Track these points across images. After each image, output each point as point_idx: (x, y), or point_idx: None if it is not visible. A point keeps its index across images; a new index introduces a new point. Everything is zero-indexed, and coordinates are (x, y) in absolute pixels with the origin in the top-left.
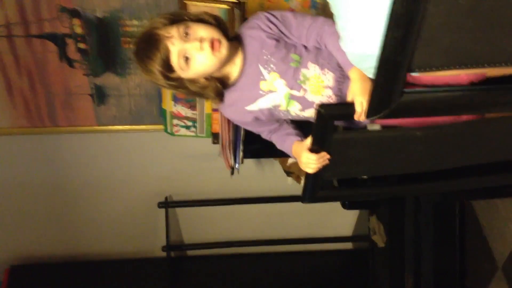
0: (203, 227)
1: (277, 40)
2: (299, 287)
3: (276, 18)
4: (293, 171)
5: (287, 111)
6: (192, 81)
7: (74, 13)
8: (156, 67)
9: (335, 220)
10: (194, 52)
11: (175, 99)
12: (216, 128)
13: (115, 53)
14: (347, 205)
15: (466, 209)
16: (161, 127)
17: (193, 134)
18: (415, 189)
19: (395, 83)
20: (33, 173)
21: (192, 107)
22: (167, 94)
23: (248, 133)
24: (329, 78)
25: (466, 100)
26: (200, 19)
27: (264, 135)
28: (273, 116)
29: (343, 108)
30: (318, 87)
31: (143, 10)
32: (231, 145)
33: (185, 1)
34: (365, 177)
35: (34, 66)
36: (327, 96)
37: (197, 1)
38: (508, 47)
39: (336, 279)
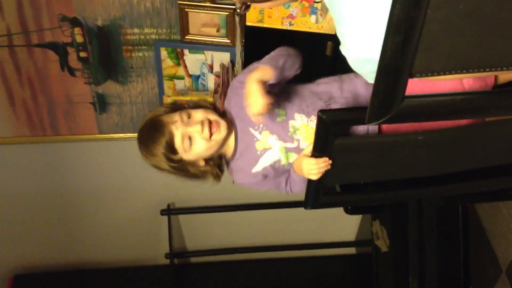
0: (206, 234)
1: None
2: None
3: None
4: None
5: (289, 163)
6: (193, 164)
7: (75, 22)
8: (160, 150)
9: (338, 226)
10: (196, 135)
11: None
12: None
13: (116, 61)
14: (350, 210)
15: (469, 212)
16: None
17: None
18: (418, 193)
19: (396, 88)
20: (35, 182)
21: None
22: (169, 101)
23: None
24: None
25: (467, 105)
26: (198, 105)
27: (283, 186)
28: (278, 172)
29: (345, 113)
30: (309, 134)
31: (144, 18)
32: None
33: (186, 10)
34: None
35: (35, 75)
36: None
37: (197, 9)
38: (508, 52)
39: (340, 284)
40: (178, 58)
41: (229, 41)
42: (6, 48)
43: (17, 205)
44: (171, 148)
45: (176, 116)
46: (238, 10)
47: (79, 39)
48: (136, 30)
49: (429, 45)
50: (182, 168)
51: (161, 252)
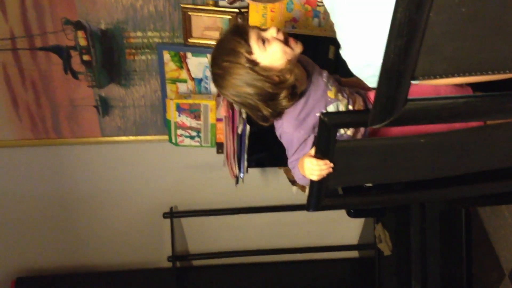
0: (208, 237)
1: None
2: None
3: None
4: None
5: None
6: (269, 69)
7: (78, 26)
8: (238, 47)
9: (341, 229)
10: (271, 38)
11: (179, 110)
12: (221, 138)
13: (119, 64)
14: (352, 213)
15: (472, 216)
16: (166, 137)
17: (197, 144)
18: (421, 196)
19: (398, 91)
20: (38, 185)
21: (197, 117)
22: (171, 104)
23: (252, 143)
24: (359, 100)
25: (470, 108)
26: None
27: (294, 162)
28: None
29: (347, 116)
30: (358, 105)
31: (147, 22)
32: (235, 154)
33: (189, 13)
34: (370, 184)
35: (39, 78)
36: None
37: (200, 13)
38: (511, 55)
39: (342, 287)
40: (181, 62)
41: None
42: (10, 52)
43: (19, 207)
44: (248, 45)
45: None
46: (228, 2)
47: (82, 42)
48: (139, 34)
49: (432, 48)
50: (267, 77)
51: (163, 255)
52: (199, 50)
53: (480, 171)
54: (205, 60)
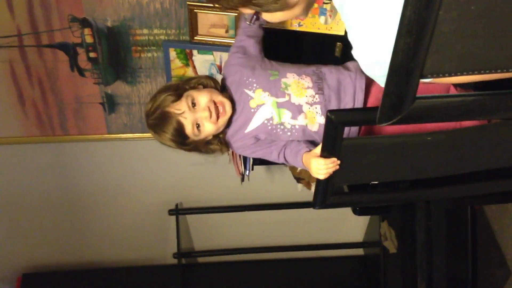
0: (213, 234)
1: (253, 67)
2: None
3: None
4: (303, 177)
5: (282, 124)
6: (202, 142)
7: (85, 23)
8: (171, 138)
9: (346, 226)
10: (204, 121)
11: None
12: None
13: (125, 62)
14: (358, 211)
15: (478, 214)
16: None
17: None
18: (426, 194)
19: (407, 89)
20: (44, 182)
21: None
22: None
23: None
24: (307, 80)
25: (478, 105)
26: (199, 84)
27: (275, 156)
28: (270, 135)
29: (354, 114)
30: (300, 90)
31: (153, 19)
32: None
33: (195, 10)
34: (375, 182)
35: (45, 75)
36: (310, 96)
37: (206, 10)
38: None
39: (347, 285)
40: (187, 59)
41: None
42: (17, 49)
43: (26, 204)
44: (181, 135)
45: (183, 105)
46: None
47: (88, 39)
48: (145, 31)
49: (441, 46)
50: (194, 148)
51: (169, 251)
52: (205, 47)
53: (486, 169)
54: (211, 57)
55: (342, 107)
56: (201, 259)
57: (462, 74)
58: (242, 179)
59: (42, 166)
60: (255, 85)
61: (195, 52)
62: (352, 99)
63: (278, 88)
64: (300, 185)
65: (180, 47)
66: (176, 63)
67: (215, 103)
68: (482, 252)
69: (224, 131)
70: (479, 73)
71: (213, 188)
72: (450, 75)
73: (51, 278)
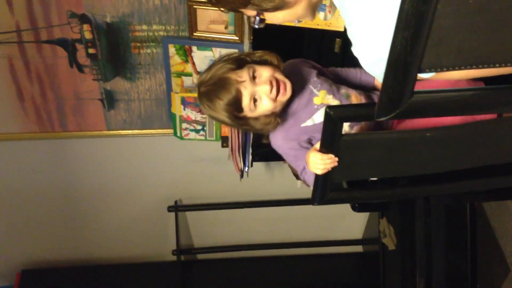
0: (213, 230)
1: (318, 72)
2: None
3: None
4: None
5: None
6: (256, 118)
7: (84, 19)
8: (226, 107)
9: (345, 223)
10: (263, 95)
11: (184, 103)
12: (225, 131)
13: (124, 58)
14: (357, 208)
15: (477, 211)
16: (171, 131)
17: (202, 138)
18: (426, 190)
19: (405, 83)
20: (43, 178)
21: (202, 111)
22: (176, 98)
23: (257, 137)
24: (363, 98)
25: (477, 100)
26: (264, 62)
27: (301, 171)
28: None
29: (353, 109)
30: (359, 101)
31: (152, 15)
32: (240, 148)
33: (194, 6)
34: (375, 179)
35: (44, 71)
36: None
37: (205, 6)
38: None
39: (346, 282)
40: (186, 55)
41: (237, 38)
42: (16, 44)
43: (25, 201)
44: (236, 106)
45: (244, 74)
46: (252, 25)
47: (87, 35)
48: (144, 27)
49: (439, 40)
50: (245, 124)
51: (168, 248)
52: (204, 43)
53: (486, 166)
54: (211, 53)
55: None
56: (200, 256)
57: (460, 69)
58: (242, 176)
59: (41, 163)
60: (319, 85)
61: (194, 48)
62: None
63: (341, 95)
64: (299, 182)
65: (179, 43)
66: (175, 59)
67: (277, 81)
68: (481, 249)
69: (278, 120)
70: (477, 67)
71: (212, 184)
72: (448, 69)
73: (50, 274)
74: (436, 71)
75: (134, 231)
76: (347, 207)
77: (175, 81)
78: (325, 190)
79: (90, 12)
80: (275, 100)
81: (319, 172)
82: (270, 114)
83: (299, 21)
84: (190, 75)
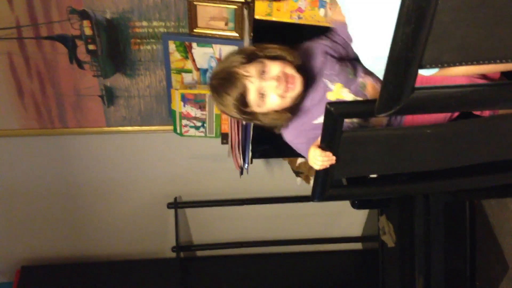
0: (212, 227)
1: (337, 59)
2: None
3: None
4: (302, 171)
5: (353, 123)
6: (265, 114)
7: (84, 15)
8: (233, 102)
9: (345, 220)
10: (270, 91)
11: (184, 100)
12: (225, 128)
13: (124, 54)
14: (356, 205)
15: (476, 209)
16: (171, 128)
17: (202, 134)
18: (425, 187)
19: (406, 79)
20: (43, 175)
21: (201, 107)
22: (176, 95)
23: (257, 133)
24: (379, 85)
25: (478, 96)
26: (275, 56)
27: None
28: None
29: (353, 106)
30: (376, 91)
31: (152, 11)
32: (240, 145)
33: (194, 3)
34: (374, 176)
35: (44, 67)
36: None
37: (205, 2)
38: None
39: (346, 279)
40: (186, 52)
41: (237, 34)
42: (15, 40)
43: (24, 197)
44: (243, 101)
45: (252, 69)
46: None
47: (87, 31)
48: (144, 23)
49: (440, 36)
50: (254, 118)
51: (167, 245)
52: (204, 40)
53: (485, 163)
54: (211, 50)
55: None
56: (200, 253)
57: (461, 65)
58: (241, 172)
59: (41, 159)
60: (335, 78)
61: (194, 44)
62: None
63: (357, 87)
64: (299, 179)
65: (179, 39)
66: (176, 56)
67: (286, 76)
68: (480, 247)
69: (289, 116)
70: (478, 63)
71: (212, 181)
72: (449, 65)
73: (49, 271)
74: (437, 67)
75: (133, 228)
76: (346, 204)
77: (175, 77)
78: (325, 186)
79: (90, 8)
80: (283, 96)
81: (317, 167)
82: (281, 110)
83: (299, 18)
84: (190, 71)
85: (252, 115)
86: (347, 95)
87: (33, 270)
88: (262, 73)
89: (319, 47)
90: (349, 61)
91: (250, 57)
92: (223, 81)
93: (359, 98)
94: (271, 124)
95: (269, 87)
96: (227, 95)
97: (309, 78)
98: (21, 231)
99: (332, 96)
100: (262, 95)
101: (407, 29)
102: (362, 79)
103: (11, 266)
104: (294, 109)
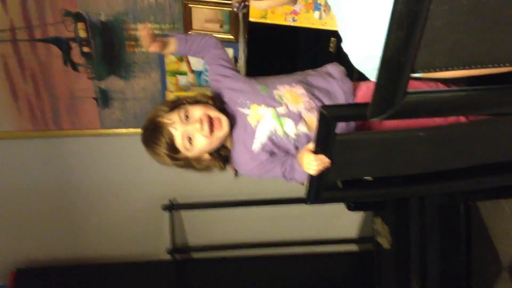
0: (208, 229)
1: (239, 87)
2: None
3: (227, 61)
4: None
5: (286, 134)
6: (197, 159)
7: (78, 17)
8: (162, 150)
9: (340, 222)
10: (195, 133)
11: None
12: None
13: (119, 56)
14: (352, 207)
15: (472, 210)
16: None
17: None
18: (420, 189)
19: (398, 83)
20: (38, 177)
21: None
22: (171, 97)
23: None
24: (299, 88)
25: (470, 101)
26: (197, 101)
27: (287, 175)
28: (280, 148)
29: (346, 109)
30: (294, 97)
31: (147, 14)
32: None
33: (189, 5)
34: (369, 178)
35: (38, 70)
36: (306, 101)
37: (200, 5)
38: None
39: (341, 281)
40: None
41: (232, 37)
42: (10, 43)
43: (19, 199)
44: (173, 148)
45: (174, 116)
46: (235, 10)
47: (82, 34)
48: (139, 26)
49: (432, 41)
50: (187, 164)
51: (163, 247)
52: None
53: (480, 165)
54: None
55: None
56: (195, 255)
57: (453, 69)
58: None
59: (35, 162)
60: (247, 101)
61: None
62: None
63: (273, 99)
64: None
65: None
66: (170, 58)
67: (210, 118)
68: (475, 248)
69: (227, 154)
70: (470, 67)
71: (207, 183)
72: (441, 70)
73: (44, 273)
74: (429, 71)
75: (129, 230)
76: (342, 206)
77: (170, 80)
78: (320, 189)
79: (84, 10)
80: (208, 136)
81: (313, 172)
82: (214, 157)
83: (294, 20)
84: (185, 74)
85: (185, 161)
86: (265, 111)
87: (28, 272)
88: (186, 118)
89: (219, 83)
90: (255, 79)
91: (173, 106)
92: (151, 132)
93: (279, 109)
94: (206, 170)
95: (193, 129)
96: (156, 145)
97: (230, 117)
98: (15, 233)
99: (252, 119)
100: (189, 139)
101: (399, 33)
102: (276, 90)
103: (5, 268)
104: (226, 157)
